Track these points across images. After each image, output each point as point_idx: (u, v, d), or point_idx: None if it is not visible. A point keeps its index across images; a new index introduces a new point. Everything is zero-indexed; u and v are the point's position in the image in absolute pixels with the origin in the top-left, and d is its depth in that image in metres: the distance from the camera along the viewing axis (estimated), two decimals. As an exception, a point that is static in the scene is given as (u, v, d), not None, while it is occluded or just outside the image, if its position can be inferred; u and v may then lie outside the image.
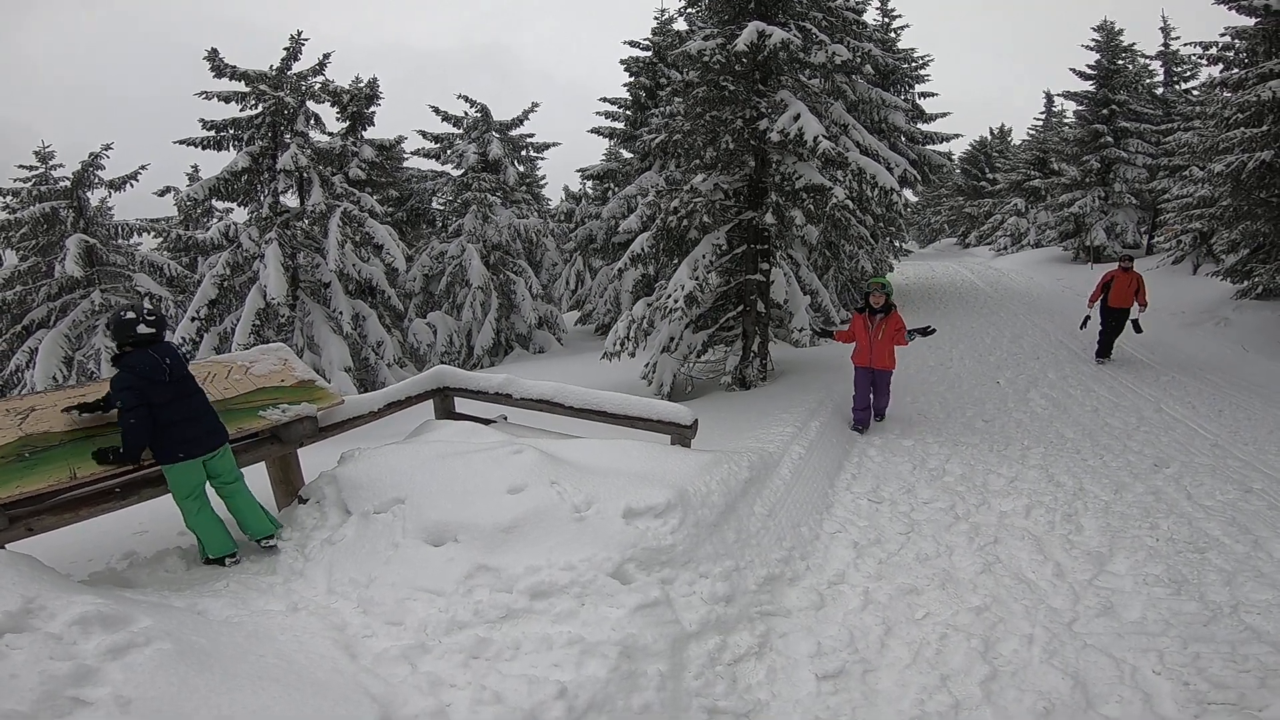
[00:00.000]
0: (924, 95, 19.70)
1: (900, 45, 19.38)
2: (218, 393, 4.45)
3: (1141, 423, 7.07)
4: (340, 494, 4.22)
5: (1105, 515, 4.90)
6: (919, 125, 18.88)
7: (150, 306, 3.83)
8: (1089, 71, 21.93)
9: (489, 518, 3.52)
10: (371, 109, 15.74)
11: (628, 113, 17.23)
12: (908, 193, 19.06)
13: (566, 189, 22.87)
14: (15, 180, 14.51)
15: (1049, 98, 34.92)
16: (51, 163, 14.73)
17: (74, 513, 3.66)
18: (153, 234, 15.79)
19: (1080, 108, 22.65)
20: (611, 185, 17.36)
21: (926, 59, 19.71)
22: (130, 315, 3.66)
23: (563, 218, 20.83)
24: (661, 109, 15.00)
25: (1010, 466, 5.96)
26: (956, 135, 19.73)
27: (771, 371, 9.96)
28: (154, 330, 3.69)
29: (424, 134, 17.88)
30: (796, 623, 3.53)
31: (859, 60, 11.98)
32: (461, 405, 6.22)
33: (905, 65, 19.07)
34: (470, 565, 3.33)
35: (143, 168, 14.80)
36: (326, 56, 12.92)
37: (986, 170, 38.35)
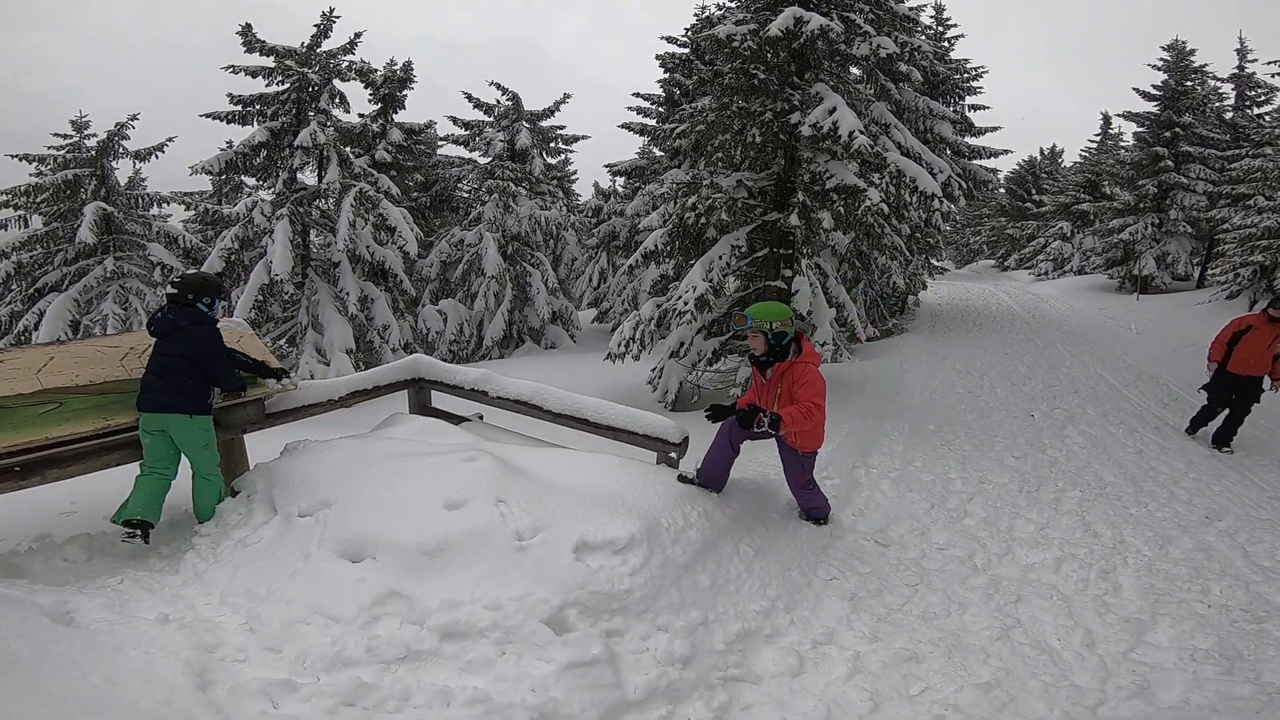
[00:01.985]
0: (974, 108, 18.87)
1: (953, 56, 18.58)
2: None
3: (1190, 468, 6.32)
4: (271, 489, 3.78)
5: (1148, 574, 4.24)
6: (966, 139, 18.07)
7: (192, 273, 4.19)
8: (1154, 92, 20.85)
9: (414, 535, 3.02)
10: (404, 92, 15.51)
11: (660, 109, 16.76)
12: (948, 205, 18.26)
13: (596, 185, 22.45)
14: (49, 148, 14.50)
15: (1106, 119, 33.61)
16: (86, 131, 14.66)
17: (-42, 492, 3.26)
18: (184, 206, 15.77)
19: (1140, 129, 21.54)
20: (640, 182, 16.90)
21: (980, 70, 18.83)
22: (175, 278, 4.08)
23: (590, 214, 20.44)
24: (692, 104, 14.49)
25: (1041, 511, 5.29)
26: (1006, 151, 18.84)
27: (786, 386, 9.36)
28: (173, 291, 3.96)
29: (455, 120, 17.61)
30: (765, 692, 2.94)
31: (907, 55, 11.31)
32: (439, 400, 5.75)
33: (957, 76, 18.26)
34: (381, 589, 2.83)
35: (170, 139, 14.75)
36: (358, 35, 12.66)
37: (1033, 191, 37.12)
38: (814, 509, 4.61)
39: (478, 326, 15.50)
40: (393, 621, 2.74)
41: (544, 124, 17.80)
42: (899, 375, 10.61)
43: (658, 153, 17.35)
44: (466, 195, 18.14)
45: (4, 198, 13.85)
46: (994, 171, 19.25)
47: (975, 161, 17.94)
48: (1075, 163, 34.70)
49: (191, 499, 3.96)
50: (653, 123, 17.01)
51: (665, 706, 2.69)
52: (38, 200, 13.83)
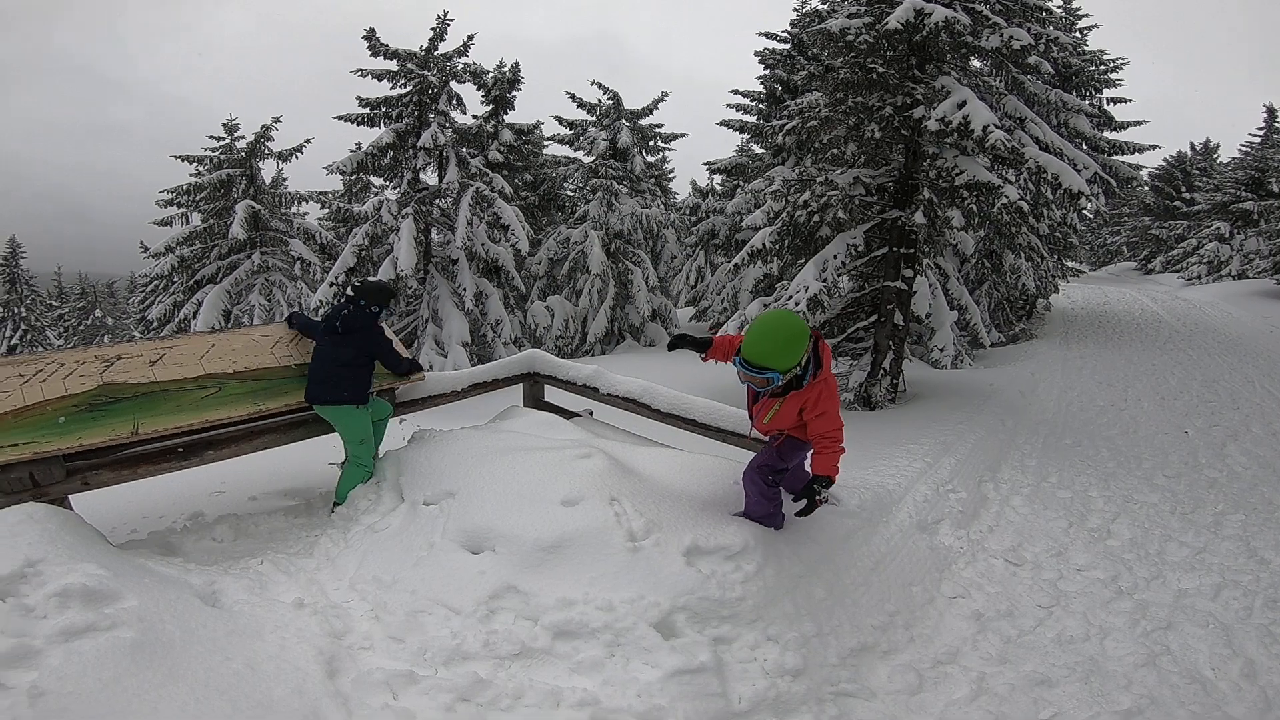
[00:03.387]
0: (1113, 101, 17.27)
1: (1087, 47, 17.12)
2: (299, 356, 4.33)
3: (1382, 496, 5.52)
4: (399, 477, 3.96)
5: (1326, 604, 3.76)
6: (1105, 133, 16.58)
7: (376, 280, 4.12)
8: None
9: (532, 531, 3.06)
10: (513, 93, 16.01)
11: (761, 106, 16.45)
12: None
13: (694, 183, 22.28)
14: (205, 149, 16.03)
15: (1270, 111, 29.82)
16: (236, 134, 16.09)
17: (133, 470, 3.61)
18: (319, 205, 17.04)
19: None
20: (740, 180, 16.63)
21: (1119, 62, 17.22)
22: (356, 282, 4.16)
23: (688, 212, 20.33)
24: (797, 100, 14.13)
25: (1198, 535, 4.80)
26: (1153, 146, 17.12)
27: (903, 393, 8.92)
28: (352, 295, 4.16)
29: (560, 120, 18.01)
30: (879, 709, 2.80)
31: (1043, 46, 10.47)
32: (552, 395, 5.87)
33: (1092, 68, 16.80)
34: (499, 583, 2.88)
35: (307, 141, 15.96)
36: (470, 38, 13.16)
37: (1183, 188, 33.49)
38: (760, 514, 3.43)
39: (582, 323, 15.79)
40: (508, 616, 2.79)
41: (643, 122, 17.86)
42: (1030, 385, 9.87)
43: (758, 150, 17.01)
44: (571, 194, 18.52)
45: (169, 195, 15.50)
46: (1137, 168, 17.58)
47: (1116, 157, 16.48)
48: (1234, 158, 31.03)
49: (337, 481, 4.21)
50: (753, 119, 16.70)
51: (771, 719, 2.60)
52: (197, 199, 15.35)
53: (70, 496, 3.48)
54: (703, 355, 3.63)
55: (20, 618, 2.11)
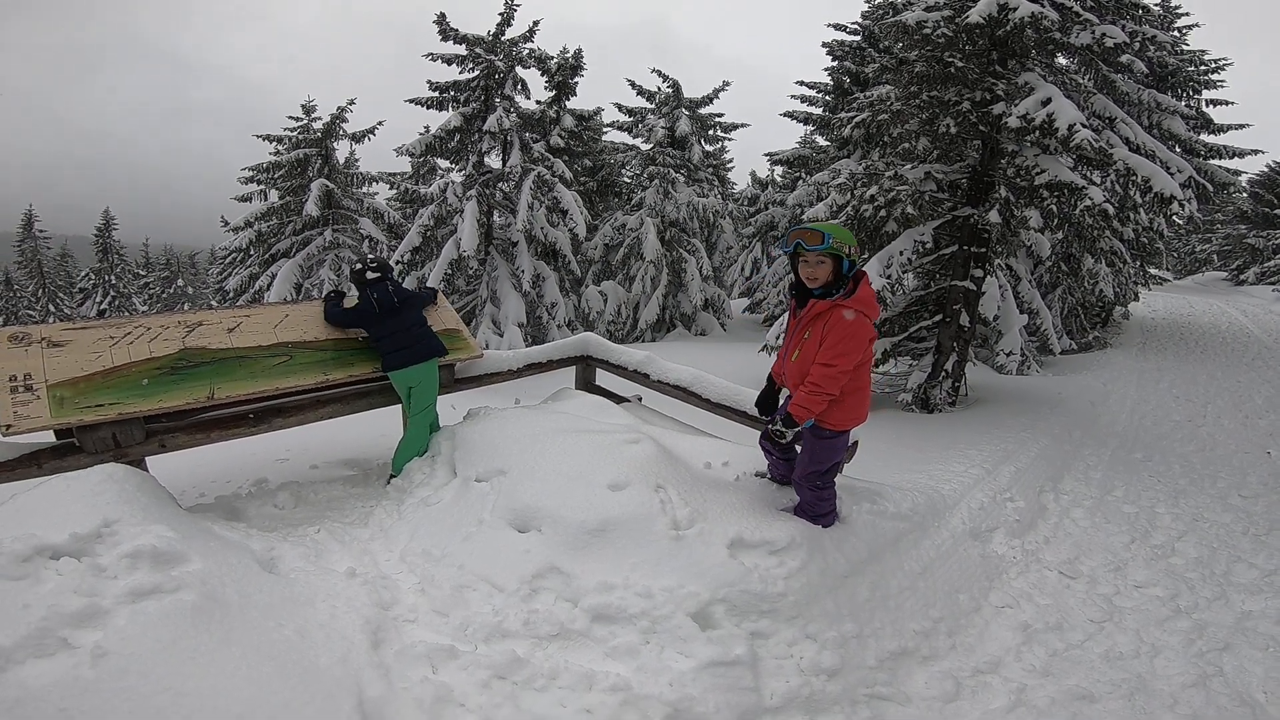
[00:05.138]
0: (1213, 103, 16.17)
1: (1185, 46, 16.08)
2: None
3: None
4: (453, 453, 4.06)
5: (1405, 634, 3.54)
6: (1202, 136, 15.57)
7: (373, 256, 4.29)
8: None
9: (578, 513, 3.10)
10: (575, 79, 16.06)
11: (827, 98, 16.09)
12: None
13: (753, 174, 21.97)
14: (284, 129, 16.64)
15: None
16: (313, 115, 16.63)
17: (206, 434, 3.79)
18: (388, 185, 17.54)
19: None
20: (802, 172, 16.31)
21: (1221, 62, 16.08)
22: (359, 266, 4.35)
23: (746, 202, 20.07)
24: (866, 93, 13.75)
25: (1270, 557, 4.58)
26: (1256, 151, 15.97)
27: (964, 397, 8.64)
28: (378, 275, 4.33)
29: (619, 107, 18.00)
30: (913, 714, 2.76)
31: (1138, 45, 9.92)
32: (603, 379, 5.93)
33: (1190, 68, 15.77)
34: (543, 563, 2.93)
35: (379, 123, 16.39)
36: (536, 24, 13.26)
37: (1288, 194, 31.12)
38: (813, 514, 3.36)
39: (634, 309, 15.85)
40: (549, 597, 2.83)
41: (702, 111, 17.68)
42: (1101, 395, 9.44)
43: (822, 142, 16.66)
44: (629, 181, 18.54)
45: (250, 173, 16.20)
46: (1236, 173, 16.47)
47: (1212, 161, 15.45)
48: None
49: (396, 449, 4.36)
50: (819, 111, 16.35)
51: (802, 717, 2.58)
52: (275, 176, 16.00)
53: (146, 458, 3.65)
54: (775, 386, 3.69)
55: (93, 577, 2.21)
